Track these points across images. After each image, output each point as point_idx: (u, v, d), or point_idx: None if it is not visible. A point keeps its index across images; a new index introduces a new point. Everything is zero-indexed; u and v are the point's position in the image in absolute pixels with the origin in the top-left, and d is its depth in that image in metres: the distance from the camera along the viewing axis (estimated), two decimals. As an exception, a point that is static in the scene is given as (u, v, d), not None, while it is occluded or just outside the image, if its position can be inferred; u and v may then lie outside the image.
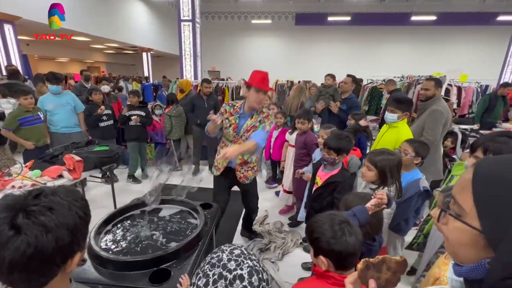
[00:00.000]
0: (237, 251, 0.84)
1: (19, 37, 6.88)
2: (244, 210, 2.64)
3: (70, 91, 4.03)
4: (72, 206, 0.63)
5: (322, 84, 4.46)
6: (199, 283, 0.78)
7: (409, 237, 2.01)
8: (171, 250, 1.30)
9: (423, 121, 2.61)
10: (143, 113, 3.92)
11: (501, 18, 11.11)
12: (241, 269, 0.79)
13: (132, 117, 3.80)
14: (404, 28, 13.22)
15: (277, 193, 3.74)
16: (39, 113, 3.20)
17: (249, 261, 0.82)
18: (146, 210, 1.66)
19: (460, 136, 3.12)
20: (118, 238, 1.49)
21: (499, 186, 0.43)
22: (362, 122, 3.03)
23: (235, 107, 2.13)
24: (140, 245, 1.43)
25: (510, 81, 7.72)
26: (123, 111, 3.91)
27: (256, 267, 0.82)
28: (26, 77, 5.56)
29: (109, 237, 1.50)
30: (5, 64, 6.27)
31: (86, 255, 1.29)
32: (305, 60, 14.46)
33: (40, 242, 0.56)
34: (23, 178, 2.11)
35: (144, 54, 12.87)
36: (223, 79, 7.98)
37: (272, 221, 3.03)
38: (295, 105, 4.41)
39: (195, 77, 7.80)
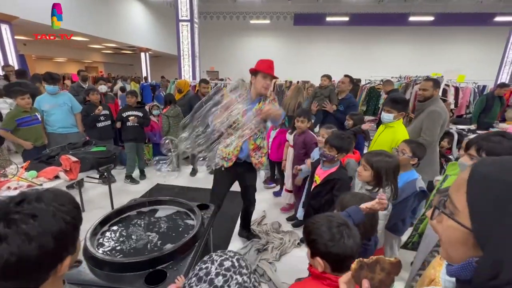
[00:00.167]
0: (227, 263, 0.78)
1: (16, 37, 6.85)
2: (242, 207, 2.63)
3: (67, 91, 4.02)
4: (57, 212, 0.61)
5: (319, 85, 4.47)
6: None
7: (404, 236, 2.02)
8: (167, 251, 1.30)
9: (421, 122, 2.62)
10: (140, 114, 3.91)
11: (498, 18, 11.17)
12: (229, 286, 0.74)
13: (129, 118, 3.79)
14: (402, 29, 13.27)
15: (275, 194, 3.74)
16: (36, 113, 3.19)
17: (238, 277, 0.77)
18: (142, 210, 1.66)
19: (456, 137, 3.14)
20: (114, 239, 1.49)
21: (491, 186, 0.44)
22: (365, 126, 3.03)
23: (242, 96, 2.12)
24: (136, 246, 1.43)
25: (507, 82, 7.77)
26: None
27: (246, 284, 0.77)
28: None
29: (105, 238, 1.49)
30: (2, 64, 6.24)
31: (81, 257, 1.29)
32: (304, 60, 14.48)
33: (22, 251, 0.55)
34: (19, 179, 2.10)
35: (142, 54, 12.84)
36: (222, 79, 7.97)
37: (270, 221, 3.03)
38: (292, 105, 4.41)
39: (194, 77, 7.80)
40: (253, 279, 0.81)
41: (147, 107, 4.51)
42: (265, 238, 2.68)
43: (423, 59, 13.31)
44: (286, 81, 8.12)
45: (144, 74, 12.78)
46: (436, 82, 2.69)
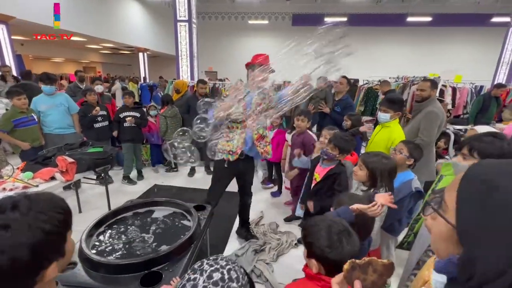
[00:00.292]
0: (216, 275, 0.74)
1: (13, 37, 6.82)
2: (239, 203, 2.64)
3: (63, 91, 4.00)
4: (35, 221, 0.58)
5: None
6: None
7: (400, 236, 2.02)
8: (163, 253, 1.30)
9: (419, 122, 2.63)
10: (138, 114, 3.90)
11: (495, 19, 11.22)
12: None
13: (127, 118, 3.78)
14: (400, 29, 13.31)
15: (273, 194, 3.74)
16: (33, 114, 3.17)
17: None
18: (139, 212, 1.66)
19: (452, 137, 3.15)
20: (110, 240, 1.48)
21: (475, 186, 0.45)
22: (363, 128, 3.04)
23: (239, 90, 2.17)
24: (131, 247, 1.43)
25: (504, 82, 7.81)
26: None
27: None
28: (19, 77, 5.50)
29: (101, 239, 1.49)
30: (-1, 64, 6.21)
31: (76, 258, 1.29)
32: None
33: None
34: (14, 180, 2.09)
35: (140, 54, 12.80)
36: (221, 80, 7.96)
37: (267, 222, 3.03)
38: (290, 105, 4.41)
39: (192, 77, 7.78)
40: None
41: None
42: (262, 239, 2.68)
43: (420, 59, 13.35)
44: (284, 82, 8.11)
45: (143, 74, 12.74)
46: (433, 83, 2.70)
